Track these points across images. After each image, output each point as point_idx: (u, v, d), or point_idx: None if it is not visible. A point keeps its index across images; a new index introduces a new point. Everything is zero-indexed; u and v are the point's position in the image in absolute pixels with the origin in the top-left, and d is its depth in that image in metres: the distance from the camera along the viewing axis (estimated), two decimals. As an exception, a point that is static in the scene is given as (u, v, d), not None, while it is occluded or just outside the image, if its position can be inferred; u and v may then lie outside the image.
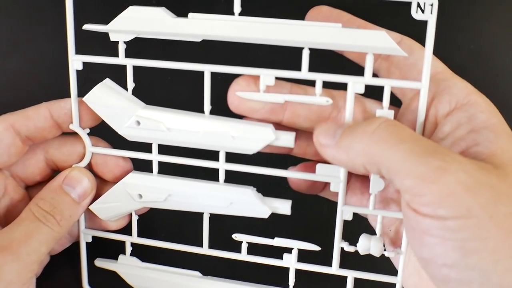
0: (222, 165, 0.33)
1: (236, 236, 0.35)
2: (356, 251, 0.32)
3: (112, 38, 0.33)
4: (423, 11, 0.28)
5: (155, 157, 0.34)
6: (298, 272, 0.34)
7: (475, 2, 0.36)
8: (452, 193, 0.25)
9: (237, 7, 0.30)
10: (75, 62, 0.33)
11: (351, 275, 0.33)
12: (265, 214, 0.33)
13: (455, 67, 0.30)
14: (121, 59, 0.33)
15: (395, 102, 0.32)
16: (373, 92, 0.31)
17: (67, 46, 0.33)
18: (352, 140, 0.28)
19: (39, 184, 0.37)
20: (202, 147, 0.33)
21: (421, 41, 0.29)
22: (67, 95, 0.34)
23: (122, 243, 0.37)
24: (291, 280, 0.34)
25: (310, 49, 0.30)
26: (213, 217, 0.34)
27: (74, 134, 0.35)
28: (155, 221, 0.39)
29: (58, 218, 0.34)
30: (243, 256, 0.35)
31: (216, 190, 0.33)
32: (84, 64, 0.33)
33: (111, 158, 0.35)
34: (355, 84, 0.30)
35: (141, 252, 0.37)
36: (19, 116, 0.34)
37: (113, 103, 0.33)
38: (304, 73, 0.31)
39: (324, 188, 0.35)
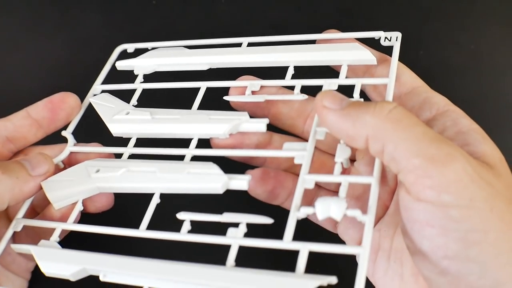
0: (190, 151, 0.33)
1: (180, 214, 0.30)
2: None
3: (136, 72, 0.39)
4: (390, 40, 0.35)
5: (128, 150, 0.35)
6: (246, 253, 0.28)
7: (475, 2, 0.38)
8: (459, 180, 0.25)
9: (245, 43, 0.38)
10: (97, 89, 0.39)
11: (306, 247, 0.27)
12: (221, 184, 0.30)
13: (455, 67, 0.31)
14: (135, 85, 0.38)
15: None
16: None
17: (66, 45, 0.38)
18: (364, 112, 0.27)
19: None
20: (180, 131, 0.34)
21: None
22: (89, 131, 0.37)
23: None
24: (231, 257, 0.27)
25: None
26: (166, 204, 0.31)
27: (55, 144, 0.37)
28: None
29: (0, 171, 0.31)
30: (182, 235, 0.29)
31: (176, 164, 0.32)
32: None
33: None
34: (330, 85, 0.34)
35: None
36: None
37: (113, 104, 0.37)
38: (287, 81, 0.35)
39: (287, 198, 0.32)
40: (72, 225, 0.32)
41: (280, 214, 0.30)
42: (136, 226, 0.31)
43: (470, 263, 0.25)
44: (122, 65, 0.40)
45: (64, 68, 0.39)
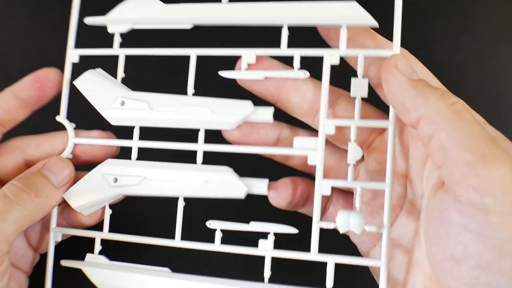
0: (200, 146, 0.33)
1: (210, 223, 0.33)
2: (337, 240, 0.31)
3: (110, 30, 0.35)
4: None
5: (135, 143, 0.34)
6: (276, 264, 0.32)
7: (476, 3, 0.37)
8: (504, 184, 0.24)
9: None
10: (73, 55, 0.36)
11: (332, 260, 0.31)
12: (241, 193, 0.32)
13: (455, 67, 0.30)
14: (115, 50, 0.35)
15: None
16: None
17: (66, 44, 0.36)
18: (431, 92, 0.27)
19: None
20: (183, 125, 0.33)
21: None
22: (79, 104, 0.35)
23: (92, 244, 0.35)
24: (267, 271, 0.32)
25: (289, 31, 0.33)
26: (186, 211, 0.33)
27: (51, 132, 0.36)
28: (126, 219, 0.37)
29: (32, 194, 0.32)
30: (216, 246, 0.33)
31: (192, 170, 0.33)
32: (83, 61, 0.36)
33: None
34: (331, 55, 0.32)
35: (111, 251, 0.35)
36: None
37: (101, 87, 0.35)
38: (283, 50, 0.33)
39: (304, 203, 0.34)
40: (110, 235, 0.34)
41: (298, 219, 0.32)
42: (150, 227, 0.33)
43: (501, 275, 0.24)
44: (92, 21, 0.36)
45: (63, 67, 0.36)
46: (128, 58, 0.35)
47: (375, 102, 0.32)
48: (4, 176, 0.35)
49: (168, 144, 0.34)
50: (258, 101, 0.33)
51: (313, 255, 0.31)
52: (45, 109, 0.36)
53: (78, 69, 0.36)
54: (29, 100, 0.35)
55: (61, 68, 0.36)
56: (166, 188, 0.33)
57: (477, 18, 0.37)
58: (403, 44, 0.30)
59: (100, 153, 0.35)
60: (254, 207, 0.33)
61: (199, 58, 0.34)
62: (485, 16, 0.37)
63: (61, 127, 0.36)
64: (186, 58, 0.34)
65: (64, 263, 0.35)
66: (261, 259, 0.32)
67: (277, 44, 0.33)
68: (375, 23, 0.31)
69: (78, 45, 0.36)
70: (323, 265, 0.31)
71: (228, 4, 0.33)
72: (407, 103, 0.27)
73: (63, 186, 0.34)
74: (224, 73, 0.33)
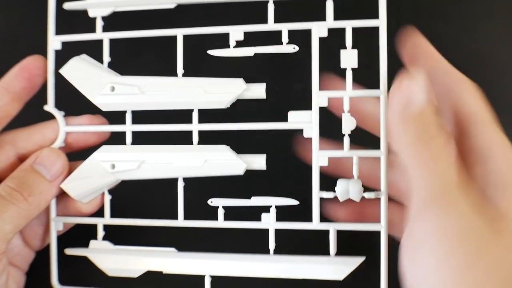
0: (195, 126, 0.34)
1: (212, 201, 0.34)
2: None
3: (91, 14, 0.35)
4: None
5: (128, 127, 0.34)
6: (278, 236, 0.33)
7: (476, 2, 0.37)
8: None
9: (205, -27, 0.33)
10: (55, 42, 0.35)
11: (333, 227, 0.32)
12: (240, 169, 0.33)
13: (455, 67, 0.30)
14: (98, 34, 0.35)
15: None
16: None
17: (67, 44, 0.35)
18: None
19: None
20: (176, 107, 0.33)
21: None
22: (66, 91, 0.35)
23: (94, 233, 0.35)
24: (271, 243, 0.33)
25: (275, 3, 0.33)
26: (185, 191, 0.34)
27: (40, 123, 0.35)
28: (125, 203, 0.37)
29: (25, 194, 0.32)
30: (220, 223, 0.33)
31: (189, 150, 0.33)
32: (66, 48, 0.35)
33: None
34: (319, 28, 0.32)
35: (113, 236, 0.35)
36: None
37: (89, 73, 0.34)
38: (270, 25, 0.33)
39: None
40: (111, 220, 0.35)
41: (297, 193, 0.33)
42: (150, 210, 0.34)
43: None
44: (71, 6, 0.35)
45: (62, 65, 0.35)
46: (112, 42, 0.35)
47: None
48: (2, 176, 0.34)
49: (162, 127, 0.34)
50: (249, 79, 0.33)
51: (315, 224, 0.32)
52: (29, 100, 0.35)
53: (60, 56, 0.35)
54: (21, 92, 0.35)
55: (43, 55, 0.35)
56: (166, 170, 0.33)
57: (477, 18, 0.37)
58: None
59: (92, 138, 0.35)
60: (250, 183, 0.34)
61: (186, 38, 0.34)
62: (485, 16, 0.37)
63: (49, 117, 0.35)
64: (171, 39, 0.34)
65: (69, 251, 0.35)
66: (264, 233, 0.33)
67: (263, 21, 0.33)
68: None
69: (58, 32, 0.35)
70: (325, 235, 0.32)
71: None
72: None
73: (57, 179, 0.34)
74: (213, 52, 0.33)
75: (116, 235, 0.35)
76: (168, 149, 0.34)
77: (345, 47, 0.32)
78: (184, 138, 0.34)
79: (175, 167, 0.33)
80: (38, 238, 0.36)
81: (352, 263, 0.31)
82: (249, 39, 0.33)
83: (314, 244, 0.32)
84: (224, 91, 0.33)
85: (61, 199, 0.36)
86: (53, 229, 0.35)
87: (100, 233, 0.35)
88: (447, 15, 0.36)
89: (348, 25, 0.32)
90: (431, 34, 0.31)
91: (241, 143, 0.33)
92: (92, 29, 0.35)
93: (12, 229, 0.32)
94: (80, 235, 0.36)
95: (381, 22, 0.31)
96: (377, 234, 0.31)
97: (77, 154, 0.35)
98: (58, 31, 0.35)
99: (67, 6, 0.35)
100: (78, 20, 0.35)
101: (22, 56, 0.35)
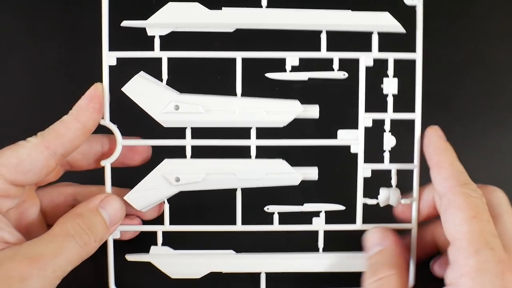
0: (253, 142, 0.37)
1: (269, 208, 0.38)
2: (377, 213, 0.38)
3: (150, 33, 0.36)
4: None
5: (188, 142, 0.37)
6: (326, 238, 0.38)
7: (475, 2, 0.39)
8: None
9: (264, 1, 0.36)
10: (110, 58, 0.36)
11: (372, 227, 0.38)
12: (297, 181, 0.37)
13: (455, 67, 0.33)
14: (156, 52, 0.36)
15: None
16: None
17: (66, 44, 0.36)
18: None
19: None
20: (237, 125, 0.37)
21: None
22: (66, 92, 0.35)
23: (141, 240, 0.38)
24: (321, 243, 0.38)
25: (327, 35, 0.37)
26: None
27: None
28: (179, 211, 0.40)
29: (93, 238, 0.34)
30: (275, 227, 0.38)
31: (251, 164, 0.37)
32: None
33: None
34: (366, 58, 0.37)
35: (169, 242, 0.38)
36: (52, 136, 0.34)
37: (151, 91, 0.36)
38: (323, 53, 0.37)
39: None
40: (171, 227, 0.38)
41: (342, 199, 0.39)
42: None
43: None
44: (131, 23, 0.36)
45: (63, 66, 0.34)
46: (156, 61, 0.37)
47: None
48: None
49: (221, 141, 0.37)
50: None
51: (359, 225, 0.38)
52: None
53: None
54: (90, 125, 0.35)
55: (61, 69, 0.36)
56: (228, 183, 0.37)
57: (477, 18, 0.39)
58: (402, 44, 0.35)
59: (138, 157, 0.38)
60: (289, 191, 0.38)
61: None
62: (485, 15, 0.39)
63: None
64: (221, 60, 0.37)
65: (130, 257, 0.37)
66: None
67: (315, 48, 0.37)
68: (402, 30, 0.37)
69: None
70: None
71: (269, 10, 0.36)
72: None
73: (112, 226, 0.36)
74: (271, 75, 0.37)
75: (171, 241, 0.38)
76: (229, 163, 0.37)
77: (387, 75, 0.37)
78: (236, 154, 0.37)
79: (237, 179, 0.37)
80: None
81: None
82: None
83: (357, 242, 0.38)
84: (283, 112, 0.37)
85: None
86: (110, 237, 0.37)
87: (160, 239, 0.38)
88: (447, 15, 0.38)
89: (391, 56, 0.37)
90: (432, 34, 0.33)
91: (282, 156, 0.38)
92: (136, 46, 0.36)
93: (70, 269, 0.33)
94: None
95: (417, 55, 0.37)
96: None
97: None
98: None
99: (125, 23, 0.36)
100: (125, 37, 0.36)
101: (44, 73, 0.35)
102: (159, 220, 0.38)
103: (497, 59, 0.41)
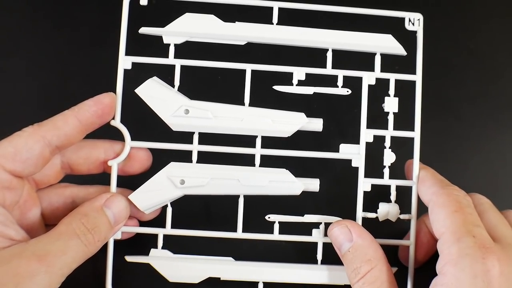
0: (258, 151, 0.38)
1: (270, 217, 0.38)
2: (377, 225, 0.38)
3: (166, 40, 0.38)
4: (413, 24, 0.39)
5: (195, 147, 0.38)
6: (324, 250, 0.39)
7: (475, 2, 0.39)
8: None
9: (275, 18, 0.39)
10: (126, 62, 0.38)
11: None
12: (298, 190, 0.38)
13: (455, 67, 0.34)
14: (170, 60, 0.38)
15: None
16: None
17: (67, 45, 0.37)
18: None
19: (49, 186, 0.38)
20: (243, 133, 0.38)
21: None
22: (67, 94, 0.37)
23: (139, 242, 0.38)
24: (319, 254, 0.38)
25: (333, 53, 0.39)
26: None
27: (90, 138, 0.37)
28: (181, 216, 0.40)
29: (96, 238, 0.34)
30: (275, 236, 0.38)
31: (255, 172, 0.38)
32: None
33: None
34: (369, 77, 0.39)
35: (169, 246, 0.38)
36: (49, 126, 0.35)
37: (163, 95, 0.37)
38: (329, 70, 0.39)
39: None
40: (172, 230, 0.38)
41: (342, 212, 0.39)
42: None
43: None
44: (148, 31, 0.38)
45: (63, 67, 0.35)
46: (169, 67, 0.38)
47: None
48: (40, 176, 0.36)
49: (227, 148, 0.38)
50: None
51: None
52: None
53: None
54: (88, 126, 0.36)
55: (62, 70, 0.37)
56: (231, 188, 0.38)
57: (477, 17, 0.39)
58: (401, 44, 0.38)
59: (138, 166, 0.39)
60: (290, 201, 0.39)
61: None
62: (485, 15, 0.39)
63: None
64: (232, 71, 0.38)
65: (129, 258, 0.37)
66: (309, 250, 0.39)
67: (321, 65, 0.39)
68: (404, 53, 0.39)
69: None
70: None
71: (279, 26, 0.38)
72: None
73: (116, 226, 0.36)
74: (278, 88, 0.39)
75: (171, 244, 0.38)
76: (233, 169, 0.38)
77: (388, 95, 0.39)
78: (236, 159, 0.38)
79: (241, 185, 0.38)
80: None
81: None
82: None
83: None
84: (289, 123, 0.38)
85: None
86: (112, 237, 0.37)
87: (160, 242, 0.38)
88: (447, 14, 0.38)
89: (392, 77, 0.39)
90: (432, 34, 0.34)
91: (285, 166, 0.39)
92: (150, 53, 0.38)
93: (75, 267, 0.33)
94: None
95: (417, 77, 0.39)
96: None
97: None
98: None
99: (143, 30, 0.38)
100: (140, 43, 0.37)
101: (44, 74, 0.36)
102: (160, 223, 0.38)
103: (497, 59, 0.40)
